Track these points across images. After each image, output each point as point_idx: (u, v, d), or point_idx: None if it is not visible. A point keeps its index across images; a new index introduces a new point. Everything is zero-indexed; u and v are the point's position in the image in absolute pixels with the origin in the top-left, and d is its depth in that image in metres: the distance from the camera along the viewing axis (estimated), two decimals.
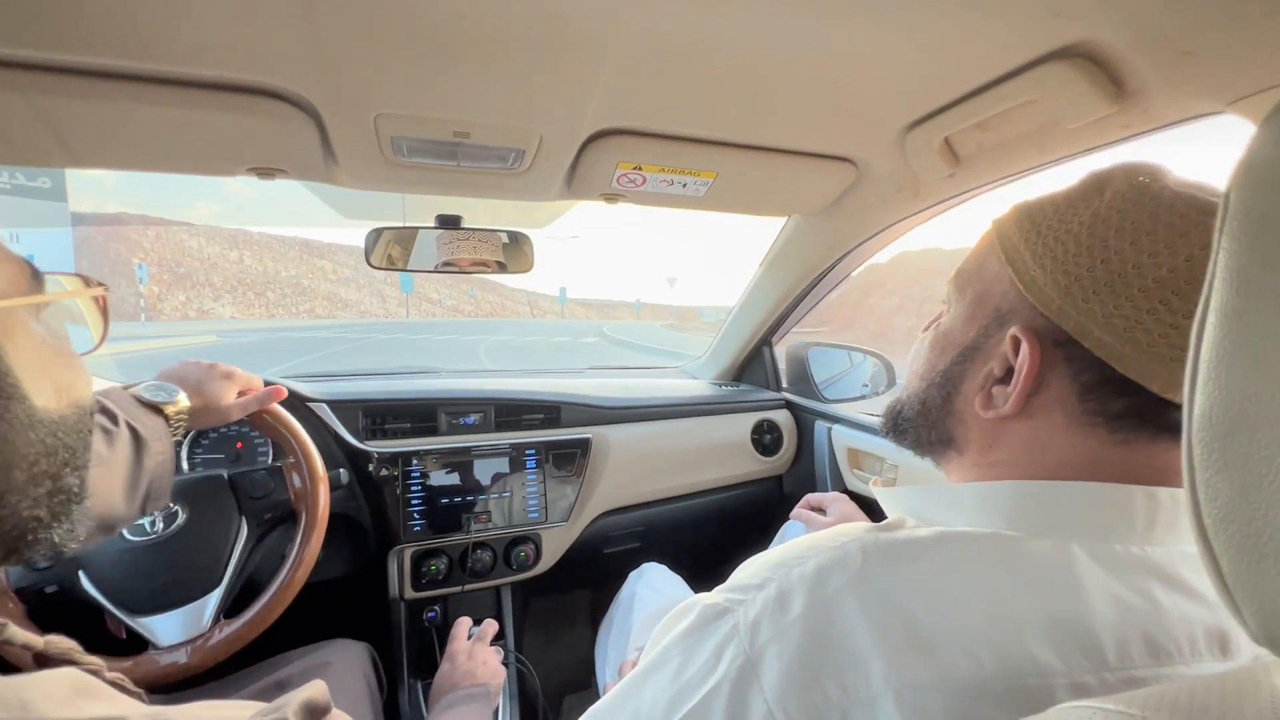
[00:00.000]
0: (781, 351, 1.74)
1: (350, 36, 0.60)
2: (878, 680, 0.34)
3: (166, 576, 0.82)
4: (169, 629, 0.80)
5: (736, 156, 0.91)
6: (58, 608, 0.80)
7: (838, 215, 1.10)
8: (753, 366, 1.74)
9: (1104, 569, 0.37)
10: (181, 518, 0.87)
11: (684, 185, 0.97)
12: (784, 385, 1.71)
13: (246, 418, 0.89)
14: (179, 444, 1.09)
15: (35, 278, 0.41)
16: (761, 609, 0.39)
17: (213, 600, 0.83)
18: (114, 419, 0.68)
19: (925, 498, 0.47)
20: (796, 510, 1.05)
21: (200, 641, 0.79)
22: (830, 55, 0.65)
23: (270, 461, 1.14)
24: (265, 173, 0.85)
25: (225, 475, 0.93)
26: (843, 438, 1.40)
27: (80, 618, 0.86)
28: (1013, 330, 0.41)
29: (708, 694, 0.38)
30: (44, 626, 0.77)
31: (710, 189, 0.98)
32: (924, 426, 0.50)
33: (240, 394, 0.86)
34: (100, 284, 0.48)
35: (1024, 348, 0.41)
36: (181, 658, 0.77)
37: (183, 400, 0.77)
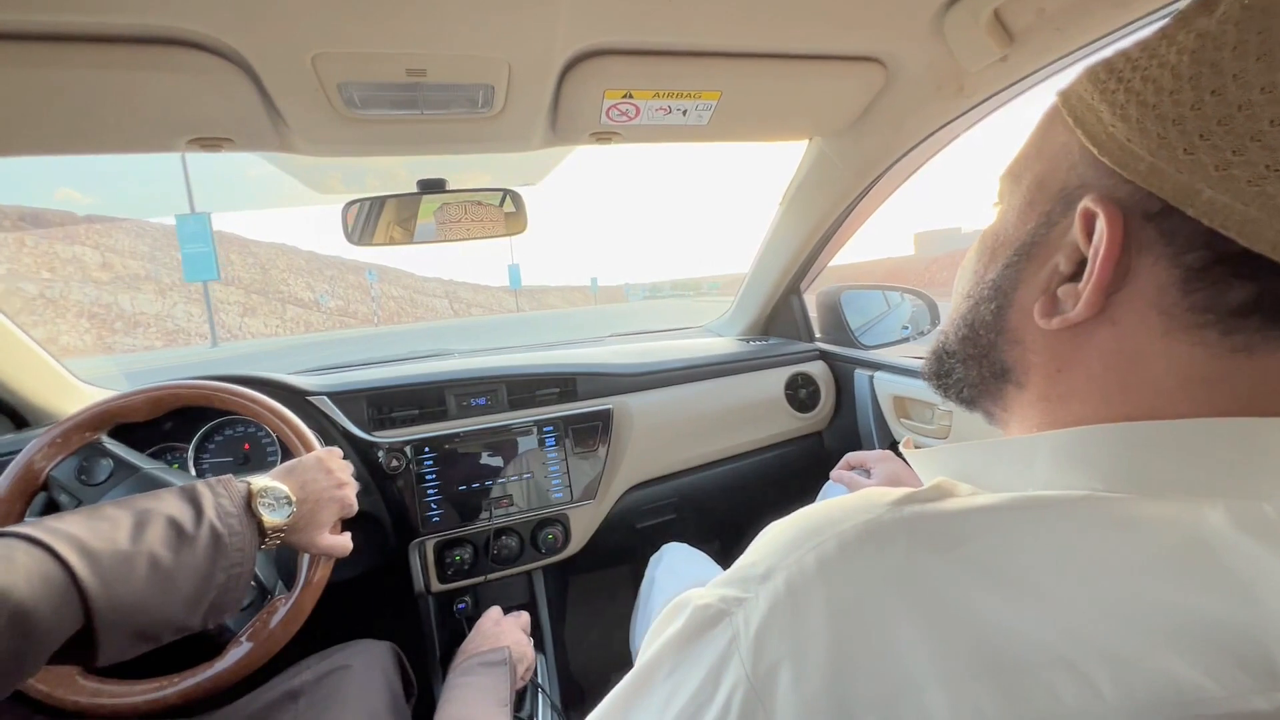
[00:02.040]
0: (811, 300, 1.61)
1: None
2: (941, 717, 0.24)
3: None
4: None
5: (742, 69, 0.77)
6: None
7: (866, 131, 0.96)
8: (781, 318, 1.62)
9: (1257, 540, 0.26)
10: None
11: (684, 112, 0.84)
12: (817, 335, 1.59)
13: None
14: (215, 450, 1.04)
15: None
16: (768, 612, 0.28)
17: None
18: (199, 516, 0.61)
19: (976, 455, 0.36)
20: (836, 471, 0.94)
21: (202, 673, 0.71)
22: None
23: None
24: (210, 144, 0.76)
25: None
26: (886, 385, 1.27)
27: None
28: (1083, 204, 0.30)
29: None
30: None
31: (715, 113, 0.85)
32: (973, 358, 0.38)
33: (334, 525, 0.78)
34: None
35: (1100, 223, 0.29)
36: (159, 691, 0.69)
37: (288, 520, 0.69)
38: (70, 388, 1.13)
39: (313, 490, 0.74)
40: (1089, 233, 0.30)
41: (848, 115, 0.92)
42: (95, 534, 0.56)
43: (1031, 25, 0.65)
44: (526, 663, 0.92)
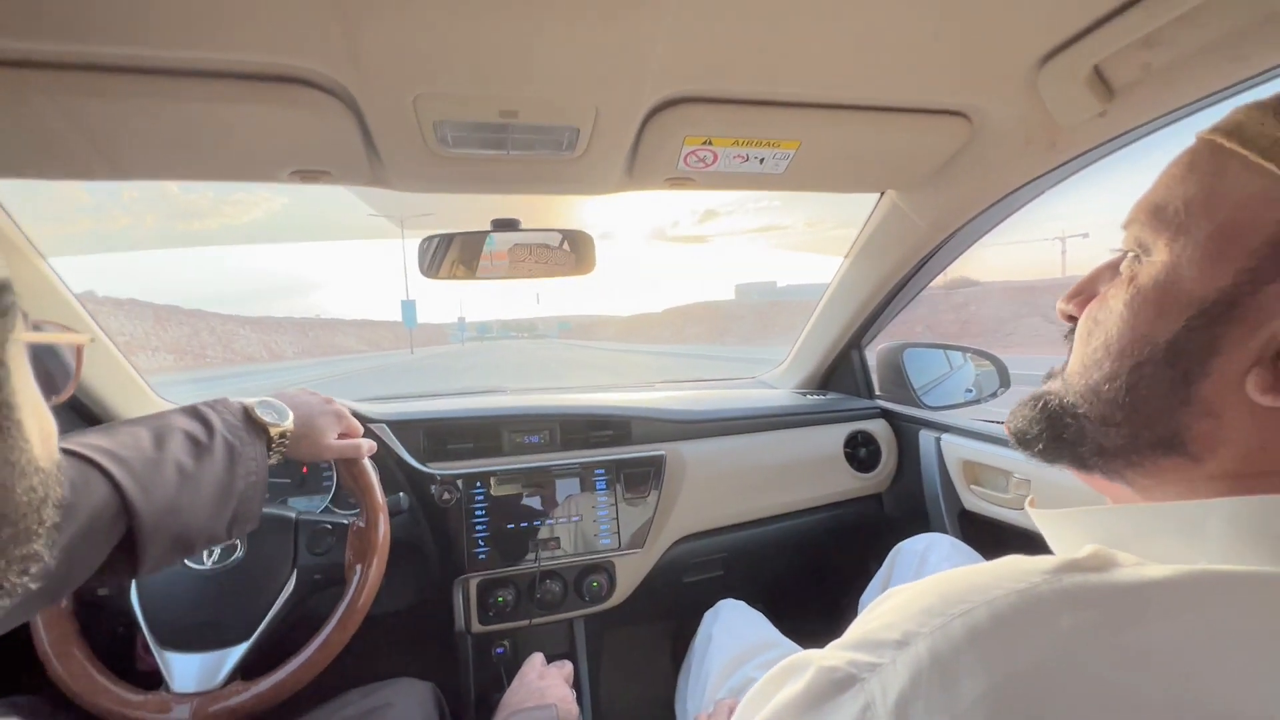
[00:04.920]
0: (871, 357, 1.57)
1: (376, 5, 0.53)
2: None
3: (206, 614, 0.76)
4: (186, 672, 0.74)
5: (822, 120, 0.78)
6: (102, 612, 0.77)
7: (945, 185, 0.94)
8: (840, 373, 1.58)
9: None
10: (239, 553, 0.82)
11: (761, 160, 0.85)
12: (877, 392, 1.53)
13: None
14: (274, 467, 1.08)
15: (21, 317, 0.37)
16: (909, 682, 0.26)
17: (235, 654, 0.76)
18: (209, 430, 0.64)
19: (1125, 519, 0.33)
20: None
21: (210, 702, 0.72)
22: None
23: (330, 497, 1.09)
24: (309, 176, 0.80)
25: (294, 517, 0.87)
26: (955, 449, 1.21)
27: (119, 630, 0.83)
28: None
29: None
30: (87, 629, 0.74)
31: (791, 163, 0.85)
32: (1122, 424, 0.34)
33: (340, 436, 0.82)
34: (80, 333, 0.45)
35: None
36: (184, 715, 0.71)
37: (289, 424, 0.73)
38: (147, 400, 1.18)
39: (303, 403, 0.78)
40: None
41: (927, 168, 0.91)
42: (121, 445, 0.57)
43: (1135, 81, 0.63)
44: (569, 715, 0.87)
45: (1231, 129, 0.32)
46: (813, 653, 0.32)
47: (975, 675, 0.25)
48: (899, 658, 0.27)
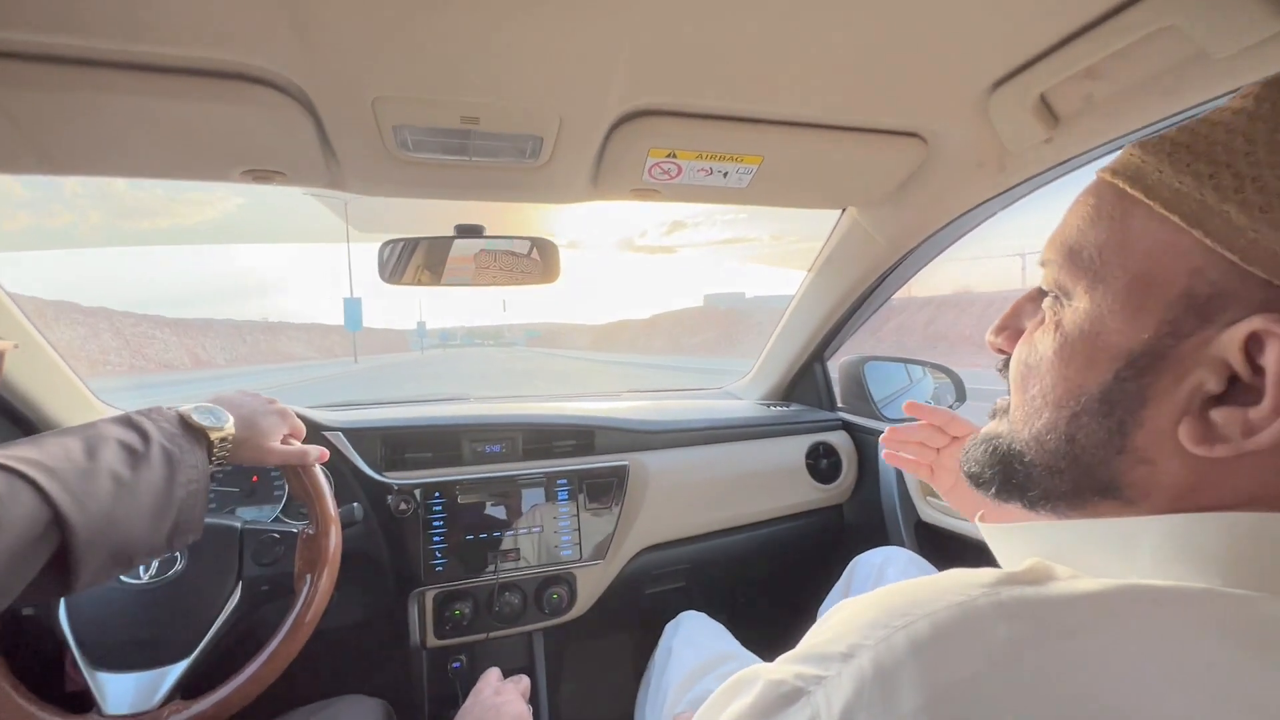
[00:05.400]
0: (834, 369, 1.59)
1: (329, 3, 0.52)
2: None
3: (141, 631, 0.73)
4: (120, 694, 0.70)
5: (784, 137, 0.79)
6: (28, 632, 0.73)
7: (903, 203, 0.96)
8: (803, 385, 1.60)
9: None
10: (179, 566, 0.78)
11: (725, 174, 0.86)
12: (839, 404, 1.56)
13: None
14: (216, 474, 1.04)
15: None
16: (854, 694, 0.26)
17: (174, 673, 0.72)
18: (145, 439, 0.61)
19: (1066, 534, 0.34)
20: (887, 435, 0.77)
21: None
22: (895, 4, 0.53)
23: (282, 507, 1.06)
24: (262, 176, 0.78)
25: (239, 527, 0.84)
26: None
27: (45, 649, 0.78)
28: (1251, 327, 0.27)
29: None
30: (10, 649, 0.69)
31: (755, 177, 0.87)
32: (1065, 471, 0.34)
33: (286, 438, 0.79)
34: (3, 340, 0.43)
35: (1275, 349, 0.26)
36: None
37: (230, 428, 0.70)
38: (88, 406, 1.13)
39: (244, 407, 0.75)
40: (1250, 355, 0.27)
41: (886, 187, 0.93)
42: (50, 456, 0.54)
43: (1079, 110, 0.66)
44: None
45: (1132, 175, 0.31)
46: (760, 667, 0.32)
47: (915, 686, 0.25)
48: (844, 670, 0.27)
